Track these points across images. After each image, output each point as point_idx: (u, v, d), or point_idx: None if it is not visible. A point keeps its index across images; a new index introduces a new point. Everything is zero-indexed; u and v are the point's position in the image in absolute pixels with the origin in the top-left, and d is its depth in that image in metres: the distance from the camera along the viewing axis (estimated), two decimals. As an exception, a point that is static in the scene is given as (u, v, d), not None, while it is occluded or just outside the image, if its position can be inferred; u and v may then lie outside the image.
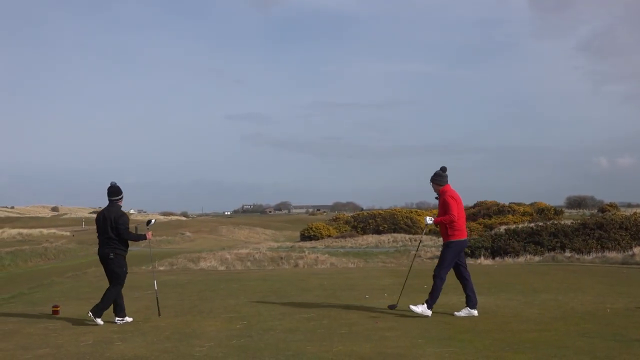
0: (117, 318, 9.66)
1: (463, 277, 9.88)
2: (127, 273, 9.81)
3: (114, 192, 9.78)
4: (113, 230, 9.57)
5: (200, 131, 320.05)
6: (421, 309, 9.65)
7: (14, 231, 69.98)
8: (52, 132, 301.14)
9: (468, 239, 9.77)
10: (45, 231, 75.09)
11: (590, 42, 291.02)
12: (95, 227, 9.95)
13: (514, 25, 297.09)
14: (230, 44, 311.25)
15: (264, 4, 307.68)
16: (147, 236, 9.84)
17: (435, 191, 9.92)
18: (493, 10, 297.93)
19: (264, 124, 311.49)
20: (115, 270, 9.63)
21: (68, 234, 76.47)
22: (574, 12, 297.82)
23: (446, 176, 9.88)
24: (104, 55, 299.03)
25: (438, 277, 9.70)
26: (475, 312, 9.75)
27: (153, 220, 10.32)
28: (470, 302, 9.81)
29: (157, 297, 10.27)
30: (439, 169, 9.91)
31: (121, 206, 9.89)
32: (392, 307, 10.20)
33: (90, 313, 9.44)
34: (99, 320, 9.43)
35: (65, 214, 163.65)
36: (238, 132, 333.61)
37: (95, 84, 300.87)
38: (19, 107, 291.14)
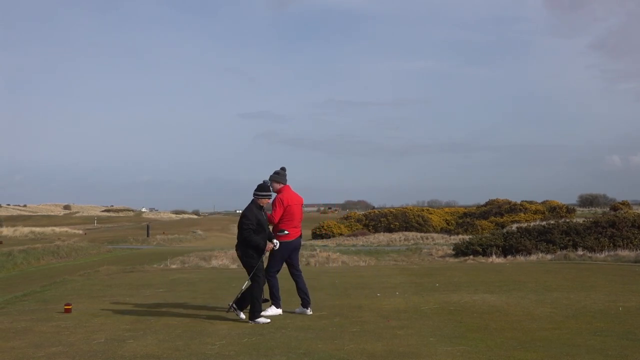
0: (233, 304, 9.62)
1: (294, 279, 10.14)
2: (257, 268, 9.55)
3: (258, 187, 9.68)
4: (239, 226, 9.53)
5: (213, 130, 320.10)
6: (270, 312, 9.83)
7: (27, 229, 70.21)
8: (64, 131, 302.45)
9: (298, 240, 10.14)
10: (57, 229, 75.41)
11: (605, 41, 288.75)
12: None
13: (528, 24, 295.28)
14: (243, 42, 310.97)
15: (280, 4, 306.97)
16: (268, 247, 9.61)
17: (274, 190, 9.98)
18: (507, 8, 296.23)
19: (276, 122, 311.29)
20: (246, 268, 9.57)
21: (80, 232, 76.82)
22: (589, 10, 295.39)
23: (283, 176, 10.03)
24: (115, 54, 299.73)
25: (268, 276, 9.89)
26: (308, 311, 9.99)
27: (277, 243, 9.85)
28: (304, 302, 10.06)
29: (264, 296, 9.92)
30: (279, 168, 10.08)
31: (261, 205, 9.65)
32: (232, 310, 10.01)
33: (250, 322, 9.31)
34: (262, 319, 9.31)
35: (78, 212, 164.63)
36: (251, 130, 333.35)
37: (107, 82, 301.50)
38: (30, 105, 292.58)
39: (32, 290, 14.36)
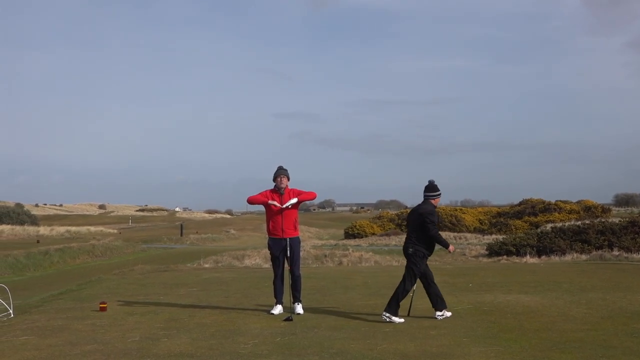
0: (437, 313, 9.49)
1: None
2: (421, 273, 9.57)
3: (427, 188, 9.71)
4: (419, 226, 9.49)
5: (248, 129, 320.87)
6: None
7: (63, 229, 71.02)
8: (100, 132, 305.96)
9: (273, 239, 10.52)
10: (92, 229, 76.21)
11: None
12: None
13: (562, 20, 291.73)
14: (279, 41, 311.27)
15: (319, 3, 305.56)
16: (450, 249, 9.68)
17: (283, 185, 10.19)
18: (541, 4, 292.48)
19: (311, 121, 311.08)
20: (410, 267, 9.52)
21: (115, 231, 77.59)
22: (627, 8, 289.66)
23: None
24: (149, 54, 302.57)
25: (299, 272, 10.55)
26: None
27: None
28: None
29: (411, 300, 9.89)
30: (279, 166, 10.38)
31: (435, 205, 9.67)
32: None
33: (384, 315, 9.29)
34: (396, 319, 9.22)
35: (112, 211, 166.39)
36: (285, 130, 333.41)
37: (142, 82, 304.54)
38: (67, 107, 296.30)
39: (68, 289, 14.56)
